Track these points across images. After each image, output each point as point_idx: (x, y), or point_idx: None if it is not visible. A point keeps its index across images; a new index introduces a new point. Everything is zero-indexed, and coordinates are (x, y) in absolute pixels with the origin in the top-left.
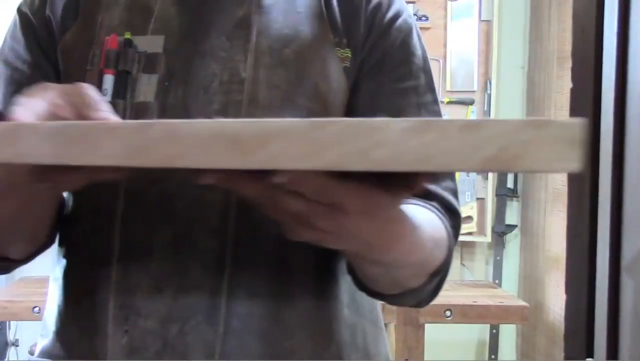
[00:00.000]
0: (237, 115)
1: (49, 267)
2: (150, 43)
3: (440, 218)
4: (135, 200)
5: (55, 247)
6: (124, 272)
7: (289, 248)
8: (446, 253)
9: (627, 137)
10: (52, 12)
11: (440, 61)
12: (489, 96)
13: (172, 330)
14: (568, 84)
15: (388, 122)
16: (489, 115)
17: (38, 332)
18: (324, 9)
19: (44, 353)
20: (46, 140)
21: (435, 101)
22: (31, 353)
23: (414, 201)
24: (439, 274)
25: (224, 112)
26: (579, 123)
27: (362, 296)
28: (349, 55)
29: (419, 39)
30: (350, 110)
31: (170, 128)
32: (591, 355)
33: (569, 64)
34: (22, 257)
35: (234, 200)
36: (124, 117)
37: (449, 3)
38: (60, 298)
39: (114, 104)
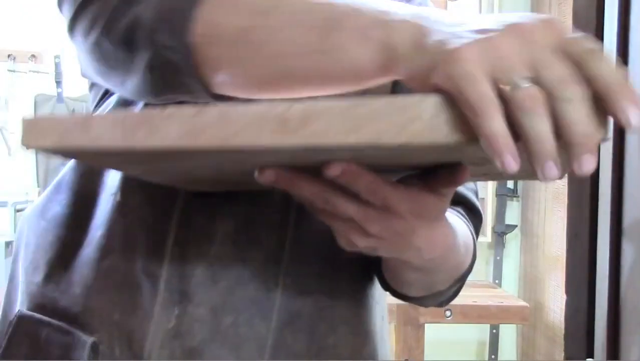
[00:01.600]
0: None
1: None
2: None
3: (466, 224)
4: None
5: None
6: (180, 257)
7: (338, 248)
8: (471, 260)
9: (627, 137)
10: None
11: None
12: None
13: (225, 321)
14: None
15: (421, 98)
16: None
17: None
18: None
19: (45, 308)
20: (115, 126)
21: None
22: None
23: None
24: (462, 280)
25: None
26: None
27: (380, 290)
28: None
29: None
30: None
31: (223, 111)
32: (591, 355)
33: None
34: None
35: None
36: None
37: (449, 3)
38: (88, 258)
39: None
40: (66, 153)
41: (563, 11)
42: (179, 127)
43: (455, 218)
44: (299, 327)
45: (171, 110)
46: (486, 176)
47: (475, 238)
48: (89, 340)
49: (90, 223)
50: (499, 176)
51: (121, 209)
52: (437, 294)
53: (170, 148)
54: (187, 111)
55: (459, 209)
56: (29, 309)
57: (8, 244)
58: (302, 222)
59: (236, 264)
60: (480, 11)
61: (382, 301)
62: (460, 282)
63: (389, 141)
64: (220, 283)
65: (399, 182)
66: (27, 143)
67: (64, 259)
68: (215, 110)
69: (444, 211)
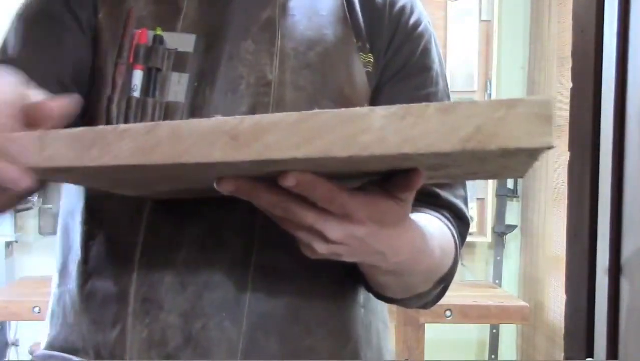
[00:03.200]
0: None
1: (49, 267)
2: (181, 41)
3: (449, 227)
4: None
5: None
6: (147, 266)
7: None
8: (452, 262)
9: (627, 137)
10: None
11: None
12: (489, 96)
13: (196, 326)
14: (568, 84)
15: (370, 110)
16: None
17: (38, 332)
18: (346, 13)
19: (53, 346)
20: (68, 145)
21: None
22: (31, 353)
23: (426, 210)
24: (445, 281)
25: (252, 114)
26: (549, 100)
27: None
28: (371, 60)
29: (436, 45)
30: None
31: (175, 127)
32: (591, 355)
33: (569, 64)
34: None
35: None
36: (152, 115)
37: (449, 3)
38: (74, 289)
39: (143, 101)
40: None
41: (563, 11)
42: (131, 145)
43: (435, 222)
44: (271, 329)
45: (124, 127)
46: (450, 178)
47: (458, 242)
48: None
49: (69, 256)
50: (463, 177)
51: (89, 233)
52: (419, 296)
53: (122, 166)
54: (139, 128)
55: (446, 213)
56: (44, 348)
57: (8, 244)
58: (270, 225)
59: (204, 269)
60: (480, 11)
61: (372, 305)
62: (442, 284)
63: (338, 154)
64: (189, 289)
65: (358, 189)
66: None
67: (60, 299)
68: (166, 127)
69: (405, 215)
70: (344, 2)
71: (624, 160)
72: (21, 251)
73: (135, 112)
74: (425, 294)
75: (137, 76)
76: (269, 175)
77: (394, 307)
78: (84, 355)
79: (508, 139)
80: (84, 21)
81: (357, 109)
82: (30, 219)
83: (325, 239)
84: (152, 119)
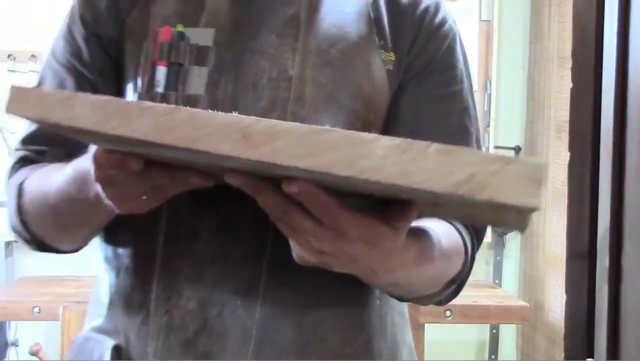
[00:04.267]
0: (284, 111)
1: (49, 267)
2: (201, 36)
3: (459, 230)
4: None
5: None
6: (169, 255)
7: None
8: (462, 264)
9: (627, 137)
10: (110, 3)
11: None
12: (489, 96)
13: (212, 313)
14: (568, 84)
15: (376, 138)
16: (489, 115)
17: (38, 332)
18: (370, 11)
19: (96, 330)
20: (92, 111)
21: (474, 105)
22: (31, 353)
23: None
24: (455, 282)
25: (271, 108)
26: (543, 164)
27: None
28: (393, 58)
29: (462, 45)
30: (394, 113)
31: (194, 114)
32: (591, 355)
33: (569, 64)
34: (70, 250)
35: None
36: None
37: (449, 3)
38: (110, 278)
39: (166, 95)
40: (45, 124)
41: (563, 11)
42: (150, 123)
43: (443, 227)
44: (284, 319)
45: (147, 105)
46: (451, 217)
47: (468, 243)
48: (111, 343)
49: (102, 248)
50: (463, 219)
51: (116, 228)
52: (428, 297)
53: (138, 140)
54: (161, 108)
55: (461, 226)
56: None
57: (8, 244)
58: None
59: (220, 259)
60: (480, 11)
61: (388, 297)
62: (452, 285)
63: (338, 172)
64: (206, 277)
65: (358, 210)
66: (11, 110)
67: (97, 288)
68: (186, 113)
69: (398, 243)
70: (369, 1)
71: (624, 160)
72: (21, 251)
73: None
74: (435, 295)
75: (161, 71)
76: (275, 177)
77: None
78: (116, 337)
79: (497, 193)
80: (105, 37)
81: (365, 134)
82: None
83: (317, 249)
84: None
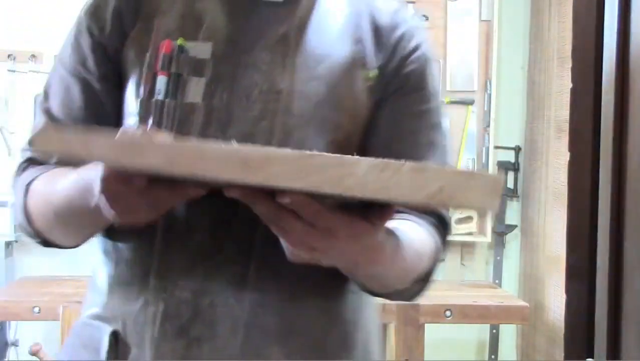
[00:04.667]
0: (273, 121)
1: (49, 267)
2: (200, 49)
3: (430, 232)
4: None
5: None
6: (166, 249)
7: None
8: (430, 264)
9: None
10: (115, 16)
11: (440, 61)
12: (489, 95)
13: (205, 302)
14: (568, 84)
15: (358, 160)
16: (489, 115)
17: (38, 332)
18: (354, 32)
19: (94, 317)
20: (109, 149)
21: (443, 121)
22: (31, 353)
23: (411, 217)
24: (423, 281)
25: (262, 118)
26: (499, 178)
27: None
28: (373, 75)
29: (433, 67)
30: (374, 124)
31: (200, 148)
32: (591, 355)
33: (569, 64)
34: (71, 246)
35: None
36: (174, 115)
37: (449, 3)
38: (109, 268)
39: (166, 103)
40: (63, 157)
41: (563, 11)
42: (161, 156)
43: (415, 230)
44: (271, 308)
45: (158, 141)
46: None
47: (439, 245)
48: (109, 329)
49: (101, 240)
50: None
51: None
52: (398, 292)
53: (149, 171)
54: (169, 141)
55: (432, 218)
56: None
57: (8, 244)
58: None
59: (213, 253)
60: (480, 11)
61: (362, 293)
62: (419, 284)
63: (327, 190)
64: (200, 270)
65: (343, 212)
66: (36, 148)
67: (95, 277)
68: (192, 147)
69: (377, 238)
70: (354, 23)
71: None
72: (21, 251)
73: (159, 112)
74: (404, 291)
75: (162, 81)
76: (269, 189)
77: (394, 307)
78: (114, 324)
79: (463, 201)
80: (110, 47)
81: (348, 157)
82: None
83: (309, 247)
84: (173, 119)
